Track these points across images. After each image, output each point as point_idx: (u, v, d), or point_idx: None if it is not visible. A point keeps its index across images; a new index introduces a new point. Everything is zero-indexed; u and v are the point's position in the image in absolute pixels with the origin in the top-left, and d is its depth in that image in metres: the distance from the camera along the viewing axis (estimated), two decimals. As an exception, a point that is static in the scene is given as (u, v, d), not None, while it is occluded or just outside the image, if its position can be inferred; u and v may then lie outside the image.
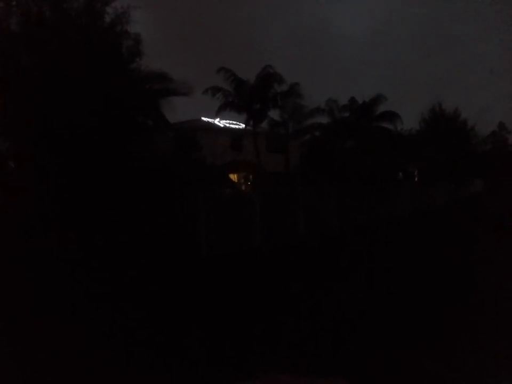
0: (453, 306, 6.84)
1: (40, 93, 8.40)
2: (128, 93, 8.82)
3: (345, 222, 17.10)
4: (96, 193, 9.07)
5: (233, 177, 27.47)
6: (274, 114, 22.63)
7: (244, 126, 24.49)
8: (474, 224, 17.24)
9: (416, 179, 30.11)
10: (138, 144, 9.83)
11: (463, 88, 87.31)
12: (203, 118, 29.67)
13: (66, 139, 8.47)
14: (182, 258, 10.57)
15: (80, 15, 9.45)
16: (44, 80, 8.49)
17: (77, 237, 9.04)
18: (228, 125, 29.58)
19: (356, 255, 11.70)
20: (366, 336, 5.65)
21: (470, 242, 13.16)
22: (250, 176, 28.20)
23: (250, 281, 8.53)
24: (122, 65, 9.44)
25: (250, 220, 13.25)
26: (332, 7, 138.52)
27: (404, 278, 9.04)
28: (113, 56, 9.26)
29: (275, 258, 11.58)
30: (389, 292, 7.97)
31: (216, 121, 29.18)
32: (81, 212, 9.17)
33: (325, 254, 12.20)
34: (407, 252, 12.20)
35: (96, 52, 8.74)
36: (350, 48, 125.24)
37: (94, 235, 9.27)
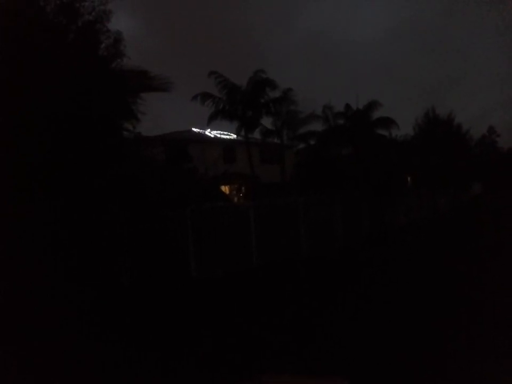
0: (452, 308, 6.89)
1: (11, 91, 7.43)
2: (103, 91, 7.89)
3: (352, 232, 16.23)
4: (77, 205, 8.07)
5: (225, 189, 26.41)
6: (267, 122, 21.77)
7: (235, 136, 23.55)
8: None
9: (414, 185, 29.50)
10: (120, 153, 8.85)
11: (459, 93, 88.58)
12: (193, 129, 28.79)
13: (42, 142, 7.47)
14: (170, 281, 9.60)
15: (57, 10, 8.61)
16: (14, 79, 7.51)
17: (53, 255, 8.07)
18: (218, 135, 28.70)
19: (366, 270, 10.89)
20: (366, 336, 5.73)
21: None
22: (243, 188, 27.20)
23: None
24: (98, 63, 8.52)
25: (246, 235, 12.12)
26: (330, 13, 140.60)
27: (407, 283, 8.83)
28: (89, 54, 8.37)
29: (274, 277, 10.63)
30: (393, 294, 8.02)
31: (207, 131, 28.28)
32: (60, 227, 8.20)
33: (329, 270, 11.32)
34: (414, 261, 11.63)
35: (72, 48, 7.90)
36: (346, 54, 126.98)
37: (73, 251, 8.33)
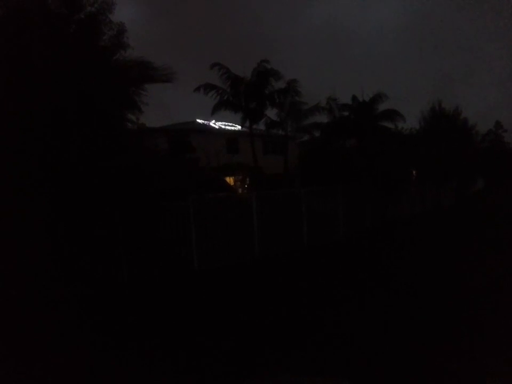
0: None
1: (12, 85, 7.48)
2: (104, 83, 7.91)
3: (354, 224, 16.25)
4: (76, 198, 8.13)
5: (229, 180, 26.44)
6: (271, 113, 21.67)
7: (239, 127, 23.48)
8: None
9: (418, 178, 29.31)
10: (122, 144, 8.88)
11: (466, 87, 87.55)
12: (198, 120, 28.73)
13: (42, 138, 7.52)
14: (172, 273, 9.68)
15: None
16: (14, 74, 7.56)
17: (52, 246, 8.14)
18: (223, 126, 28.64)
19: (369, 262, 10.94)
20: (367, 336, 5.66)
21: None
22: (247, 179, 27.20)
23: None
24: (100, 55, 8.53)
25: (248, 226, 12.20)
26: (329, 11, 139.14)
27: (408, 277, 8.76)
28: (92, 46, 8.39)
29: (276, 270, 10.72)
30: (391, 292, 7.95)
31: (212, 123, 28.24)
32: (59, 219, 8.27)
33: (330, 264, 11.38)
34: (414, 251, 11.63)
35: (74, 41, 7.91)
36: (353, 46, 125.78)
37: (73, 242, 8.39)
